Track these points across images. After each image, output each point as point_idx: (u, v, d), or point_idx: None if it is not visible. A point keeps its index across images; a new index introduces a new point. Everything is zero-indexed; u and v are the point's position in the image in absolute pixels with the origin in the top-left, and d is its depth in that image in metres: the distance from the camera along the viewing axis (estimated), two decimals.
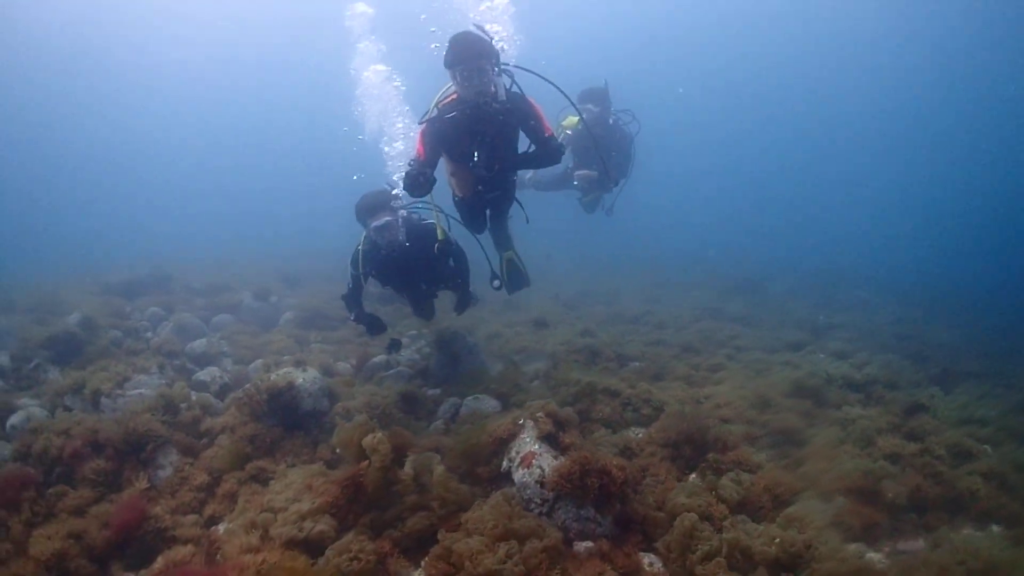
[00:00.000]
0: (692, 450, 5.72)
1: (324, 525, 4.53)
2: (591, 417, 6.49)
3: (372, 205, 6.95)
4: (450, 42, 6.13)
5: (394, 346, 7.58)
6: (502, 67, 6.40)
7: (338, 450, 5.61)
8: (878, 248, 29.50)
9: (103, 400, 6.92)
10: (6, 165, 49.15)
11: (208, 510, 5.30)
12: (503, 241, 8.17)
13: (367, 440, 4.90)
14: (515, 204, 7.71)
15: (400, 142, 8.56)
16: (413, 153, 6.60)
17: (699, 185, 50.60)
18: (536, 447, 4.93)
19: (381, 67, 9.60)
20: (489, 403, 6.66)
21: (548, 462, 4.72)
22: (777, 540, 4.22)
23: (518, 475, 4.79)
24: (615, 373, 8.08)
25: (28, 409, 6.63)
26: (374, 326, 7.60)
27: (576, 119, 10.09)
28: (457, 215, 7.81)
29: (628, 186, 10.79)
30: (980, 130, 45.83)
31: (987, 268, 24.90)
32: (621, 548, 4.33)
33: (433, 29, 7.66)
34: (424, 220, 7.55)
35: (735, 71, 51.80)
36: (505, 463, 5.06)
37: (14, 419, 6.43)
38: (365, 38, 10.27)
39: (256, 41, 48.52)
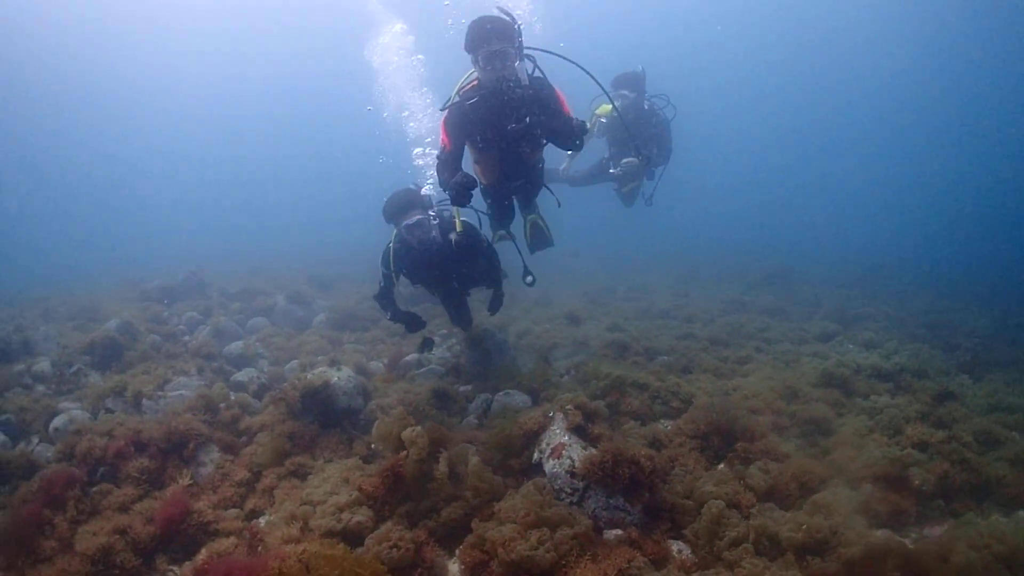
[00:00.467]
0: (720, 440, 5.78)
1: (362, 516, 4.67)
2: (620, 410, 6.54)
3: (402, 204, 6.92)
4: (470, 26, 6.02)
5: (427, 345, 7.57)
6: (525, 51, 6.22)
7: (376, 443, 5.78)
8: (912, 238, 29.20)
9: (145, 402, 7.12)
10: (35, 174, 50.14)
11: (249, 504, 5.44)
12: (529, 206, 8.10)
13: (406, 433, 5.05)
14: (545, 191, 7.68)
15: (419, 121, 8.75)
16: (438, 144, 6.55)
17: (730, 175, 50.40)
18: (566, 438, 5.04)
19: (398, 27, 9.72)
20: (520, 398, 6.73)
21: (578, 453, 4.82)
22: (804, 526, 4.28)
23: (549, 466, 4.89)
24: (644, 367, 8.12)
25: (70, 412, 6.81)
26: (413, 323, 7.56)
27: (609, 106, 9.84)
28: (487, 209, 7.81)
29: (667, 174, 10.74)
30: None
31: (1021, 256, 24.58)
32: (650, 536, 4.42)
33: (447, 2, 7.74)
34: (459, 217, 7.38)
35: (767, 56, 51.37)
36: (536, 455, 5.16)
37: (57, 422, 6.62)
38: (386, 23, 10.43)
39: (274, 34, 48.58)
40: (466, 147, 6.81)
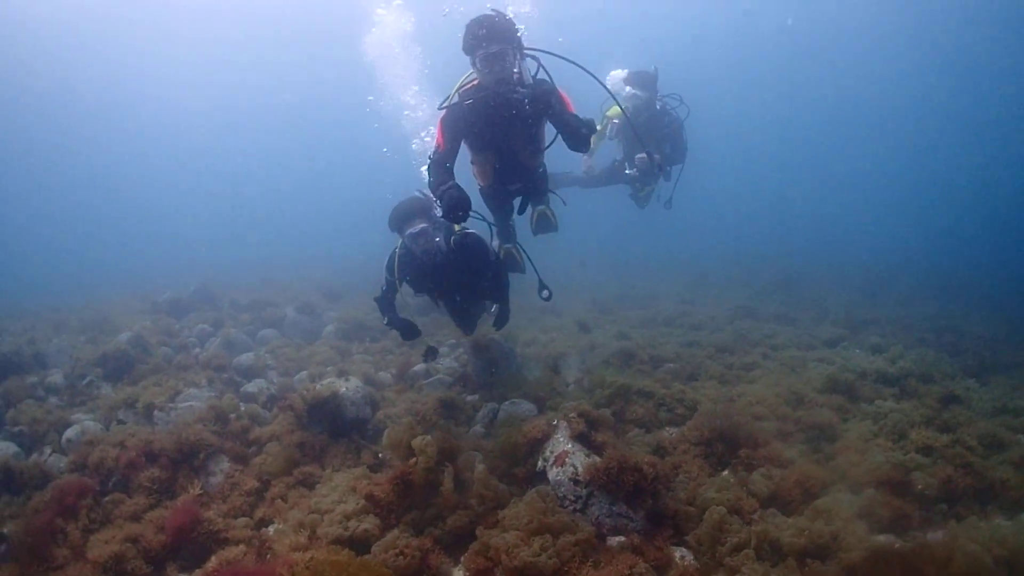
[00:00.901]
0: (724, 447, 5.81)
1: (368, 524, 4.75)
2: (625, 418, 6.60)
3: (407, 212, 6.71)
4: (467, 26, 5.87)
5: (431, 354, 7.40)
6: (527, 51, 6.08)
7: (386, 451, 5.89)
8: (921, 241, 29.12)
9: (156, 413, 7.20)
10: (43, 184, 50.60)
11: (258, 513, 5.50)
12: (538, 200, 7.98)
13: (416, 441, 5.15)
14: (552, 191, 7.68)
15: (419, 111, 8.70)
16: (433, 143, 6.35)
17: (737, 180, 50.32)
18: (569, 446, 5.10)
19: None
20: (526, 407, 6.77)
21: (581, 460, 4.88)
22: (805, 532, 4.32)
23: (552, 473, 4.96)
24: (649, 375, 8.17)
25: (83, 423, 6.92)
26: (407, 331, 7.39)
27: (618, 109, 9.72)
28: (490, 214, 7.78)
29: (683, 176, 10.65)
30: None
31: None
32: (653, 542, 4.47)
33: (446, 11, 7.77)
34: (462, 227, 7.18)
35: (774, 60, 51.35)
36: (540, 462, 5.22)
37: (69, 433, 6.72)
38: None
39: (278, 39, 48.47)
40: (464, 146, 6.69)
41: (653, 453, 5.71)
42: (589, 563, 4.08)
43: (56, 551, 4.92)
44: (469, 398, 7.53)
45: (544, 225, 8.08)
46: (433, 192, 5.90)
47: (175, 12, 42.04)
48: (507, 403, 6.89)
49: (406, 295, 7.45)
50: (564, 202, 7.83)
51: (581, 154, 8.09)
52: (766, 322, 12.46)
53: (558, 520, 4.32)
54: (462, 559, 4.52)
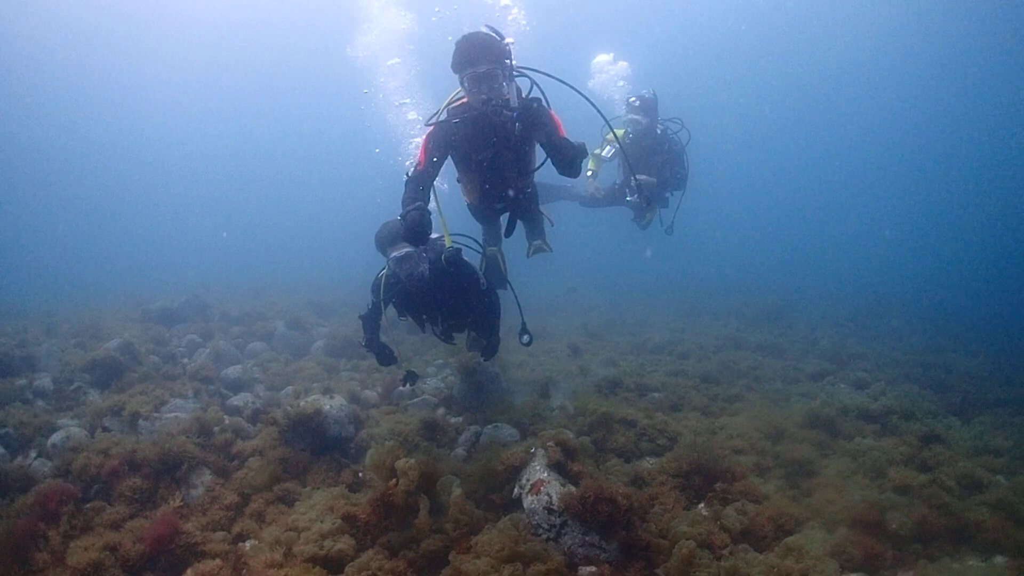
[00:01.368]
0: (701, 480, 5.86)
1: (344, 544, 4.80)
2: (606, 447, 6.65)
3: (392, 234, 6.41)
4: (456, 44, 5.70)
5: (410, 378, 7.23)
6: (518, 70, 5.93)
7: (368, 471, 5.83)
8: (914, 274, 29.30)
9: (141, 422, 7.23)
10: (38, 186, 50.67)
11: (236, 528, 5.53)
12: (535, 232, 7.86)
13: (400, 463, 5.19)
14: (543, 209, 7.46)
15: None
16: (414, 159, 6.12)
17: (732, 207, 50.48)
18: (545, 475, 5.14)
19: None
20: (508, 431, 6.82)
21: (556, 489, 4.92)
22: (775, 568, 4.38)
23: (527, 501, 5.00)
24: (634, 403, 8.22)
25: (68, 429, 6.91)
26: (383, 357, 7.21)
27: (621, 131, 9.75)
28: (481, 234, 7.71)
29: (683, 201, 10.54)
30: None
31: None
32: (624, 573, 4.52)
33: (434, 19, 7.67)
34: (453, 246, 6.88)
35: (766, 90, 51.68)
36: (516, 490, 5.27)
37: (55, 438, 6.71)
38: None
39: (272, 45, 48.67)
40: (452, 161, 6.57)
41: (631, 483, 5.79)
42: None
43: (36, 555, 4.97)
44: (453, 420, 7.56)
45: (539, 251, 7.95)
46: (402, 207, 5.62)
47: (173, 17, 42.20)
48: (490, 427, 6.93)
49: (390, 317, 7.19)
50: (551, 223, 7.68)
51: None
52: (753, 353, 12.54)
53: (529, 549, 4.37)
54: None
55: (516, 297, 7.25)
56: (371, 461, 5.66)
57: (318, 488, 5.99)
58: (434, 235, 6.39)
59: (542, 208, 7.59)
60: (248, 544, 5.25)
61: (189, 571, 4.88)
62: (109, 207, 53.82)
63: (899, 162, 51.68)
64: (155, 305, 13.31)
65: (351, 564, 4.57)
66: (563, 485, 5.01)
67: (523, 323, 7.06)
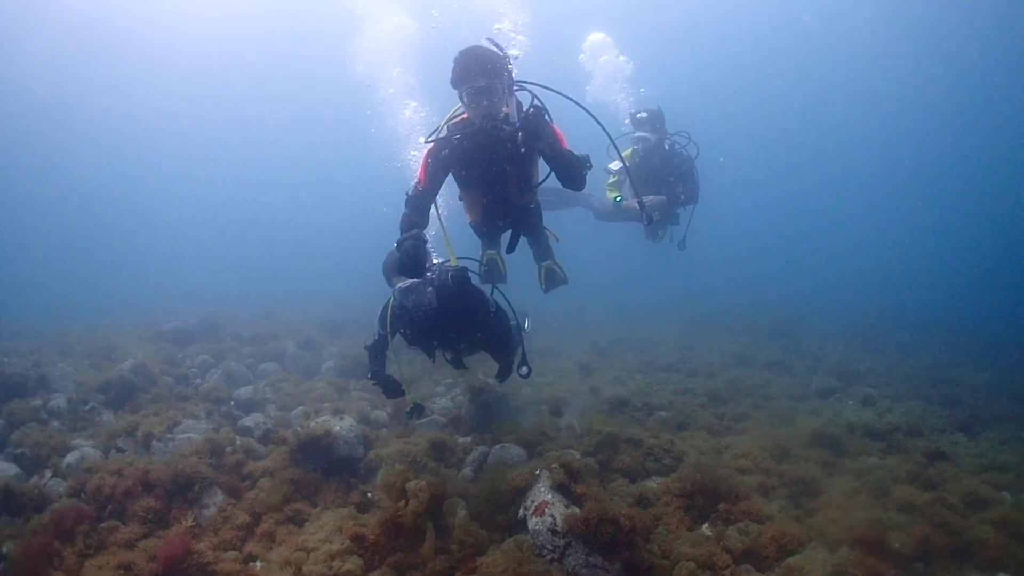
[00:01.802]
0: (705, 500, 5.90)
1: (351, 564, 4.89)
2: (612, 467, 6.69)
3: (397, 264, 5.91)
4: (455, 60, 5.64)
5: (416, 411, 7.08)
6: (518, 84, 5.89)
7: (378, 492, 5.94)
8: (922, 287, 29.21)
9: (154, 443, 7.34)
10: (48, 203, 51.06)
11: (247, 547, 5.62)
12: (542, 253, 7.78)
13: (411, 485, 5.31)
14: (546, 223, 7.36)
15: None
16: (414, 179, 6.04)
17: (738, 218, 50.36)
18: (550, 496, 5.21)
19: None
20: (515, 451, 6.86)
21: (560, 511, 5.00)
22: None
23: (532, 522, 5.08)
24: (641, 423, 8.27)
25: (83, 449, 7.06)
26: (389, 389, 7.06)
27: (628, 151, 9.75)
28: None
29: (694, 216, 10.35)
30: None
31: None
32: None
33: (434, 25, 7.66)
34: (458, 265, 6.55)
35: (770, 102, 51.60)
36: (521, 511, 5.34)
37: (69, 458, 6.85)
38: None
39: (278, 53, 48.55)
40: (453, 179, 6.48)
41: (636, 503, 5.85)
42: None
43: (52, 573, 5.07)
44: (461, 440, 7.61)
45: (554, 281, 7.85)
46: (400, 231, 5.57)
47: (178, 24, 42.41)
48: (497, 447, 6.98)
49: (398, 346, 7.13)
50: (557, 238, 7.62)
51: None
52: (761, 370, 12.56)
53: (532, 569, 4.45)
54: None
55: (521, 331, 7.25)
56: (382, 482, 5.77)
57: (328, 508, 6.07)
58: (438, 259, 6.58)
59: (546, 225, 7.53)
60: (259, 564, 5.34)
61: None
62: (117, 223, 54.07)
63: (907, 174, 51.56)
64: (168, 326, 13.45)
65: None
66: (567, 506, 5.09)
67: (523, 354, 7.04)
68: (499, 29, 6.57)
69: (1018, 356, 14.93)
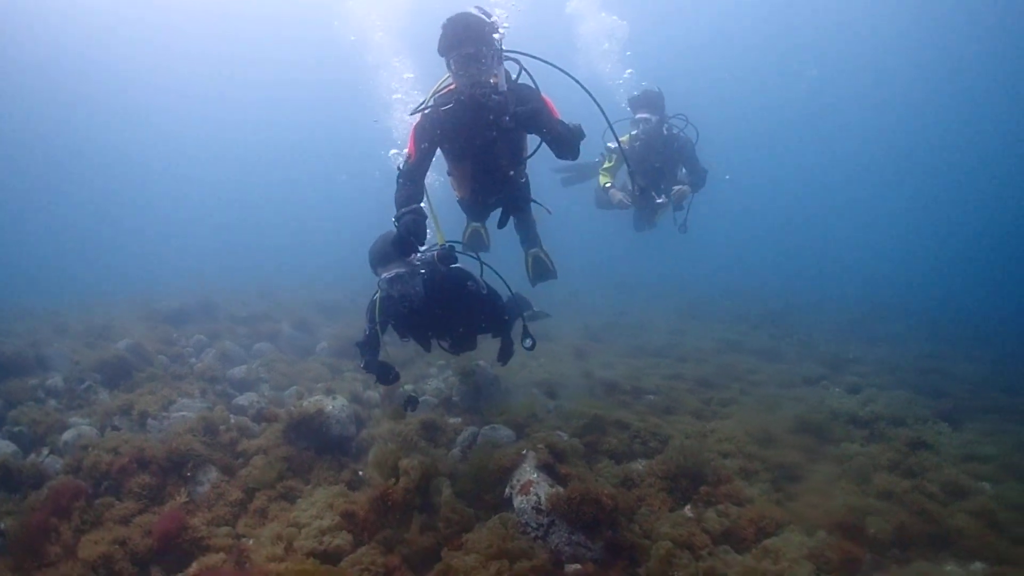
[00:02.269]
0: (688, 482, 6.02)
1: (341, 540, 5.03)
2: (599, 448, 6.78)
3: (383, 253, 6.10)
4: (443, 26, 5.47)
5: (411, 403, 6.87)
6: (507, 54, 5.72)
7: (371, 469, 6.07)
8: (915, 278, 29.29)
9: (149, 421, 7.46)
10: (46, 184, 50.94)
11: (240, 523, 5.77)
12: (529, 239, 7.66)
13: (404, 462, 5.48)
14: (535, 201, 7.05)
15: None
16: (404, 154, 5.87)
17: (733, 207, 50.33)
18: (535, 476, 5.35)
19: None
20: (505, 432, 6.94)
21: (544, 490, 5.13)
22: (751, 570, 4.59)
23: (517, 501, 5.21)
24: (629, 406, 8.35)
25: (79, 427, 7.17)
26: (384, 375, 6.65)
27: (626, 137, 9.44)
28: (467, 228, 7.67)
29: (695, 200, 10.01)
30: None
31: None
32: (607, 572, 4.72)
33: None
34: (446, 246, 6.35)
35: (765, 90, 51.49)
36: (507, 490, 5.47)
37: (66, 436, 6.97)
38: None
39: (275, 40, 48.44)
40: (442, 154, 6.32)
41: (620, 485, 5.96)
42: None
43: (49, 548, 5.19)
44: (452, 421, 7.70)
45: (542, 272, 7.77)
46: (396, 207, 5.44)
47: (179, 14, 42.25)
48: (487, 428, 7.06)
49: (389, 342, 7.02)
50: (549, 211, 7.27)
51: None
52: (751, 356, 12.62)
53: (516, 546, 4.58)
54: None
55: (518, 305, 7.19)
56: (374, 460, 5.90)
57: (320, 486, 6.21)
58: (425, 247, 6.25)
59: (538, 199, 7.14)
60: (251, 539, 5.48)
61: (195, 564, 5.11)
62: (113, 204, 53.89)
63: (901, 164, 51.60)
64: (163, 305, 13.57)
65: (347, 558, 4.80)
66: (551, 486, 5.21)
67: (524, 327, 6.89)
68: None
69: (1007, 348, 15.05)
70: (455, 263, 6.10)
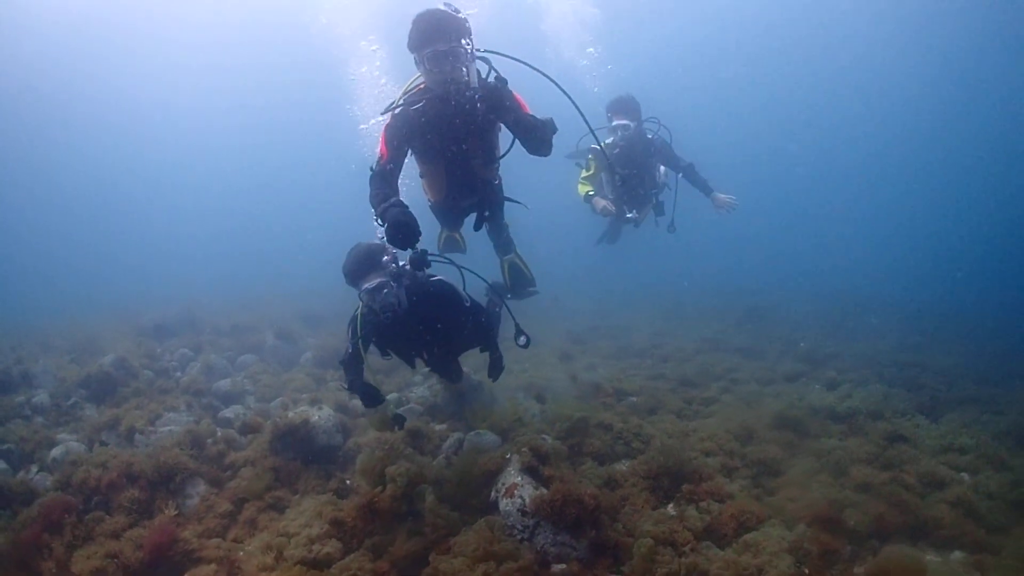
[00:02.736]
0: (670, 481, 6.12)
1: (331, 548, 5.12)
2: (583, 450, 6.87)
3: (361, 263, 5.93)
4: (414, 22, 5.29)
5: (398, 421, 6.58)
6: (478, 52, 5.52)
7: (358, 477, 6.16)
8: (893, 270, 29.54)
9: (137, 436, 7.53)
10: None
11: (231, 534, 5.83)
12: (503, 245, 7.48)
13: (391, 469, 5.54)
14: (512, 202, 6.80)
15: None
16: (375, 155, 5.58)
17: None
18: (519, 479, 5.46)
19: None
20: (490, 438, 6.99)
21: (529, 492, 5.24)
22: (732, 564, 4.71)
23: (502, 504, 5.32)
24: (612, 408, 8.45)
25: (67, 443, 7.23)
26: (369, 398, 6.35)
27: (608, 141, 9.26)
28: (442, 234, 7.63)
29: (677, 199, 10.09)
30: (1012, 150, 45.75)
31: (1001, 288, 25.01)
32: (592, 570, 4.84)
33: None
34: (432, 276, 6.36)
35: (747, 88, 51.72)
36: (493, 493, 5.58)
37: (55, 452, 7.02)
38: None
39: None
40: (412, 158, 6.08)
41: (604, 485, 6.05)
42: None
43: (42, 564, 5.28)
44: (437, 428, 7.78)
45: (521, 282, 7.66)
46: (374, 208, 5.14)
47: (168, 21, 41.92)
48: (472, 434, 7.11)
49: (372, 358, 6.75)
50: (527, 207, 6.90)
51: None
52: (732, 355, 12.72)
53: (502, 548, 4.69)
54: None
55: (507, 306, 6.93)
56: (361, 466, 5.98)
57: (308, 495, 6.29)
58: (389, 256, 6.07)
59: (512, 198, 6.86)
60: (242, 550, 5.54)
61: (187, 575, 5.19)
62: (95, 215, 53.61)
63: (886, 162, 51.99)
64: (147, 319, 13.55)
65: (337, 564, 4.90)
66: (536, 488, 5.32)
67: (516, 325, 6.61)
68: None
69: (984, 340, 15.22)
70: (428, 267, 5.69)
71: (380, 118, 5.86)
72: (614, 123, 9.40)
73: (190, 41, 44.92)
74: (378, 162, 5.45)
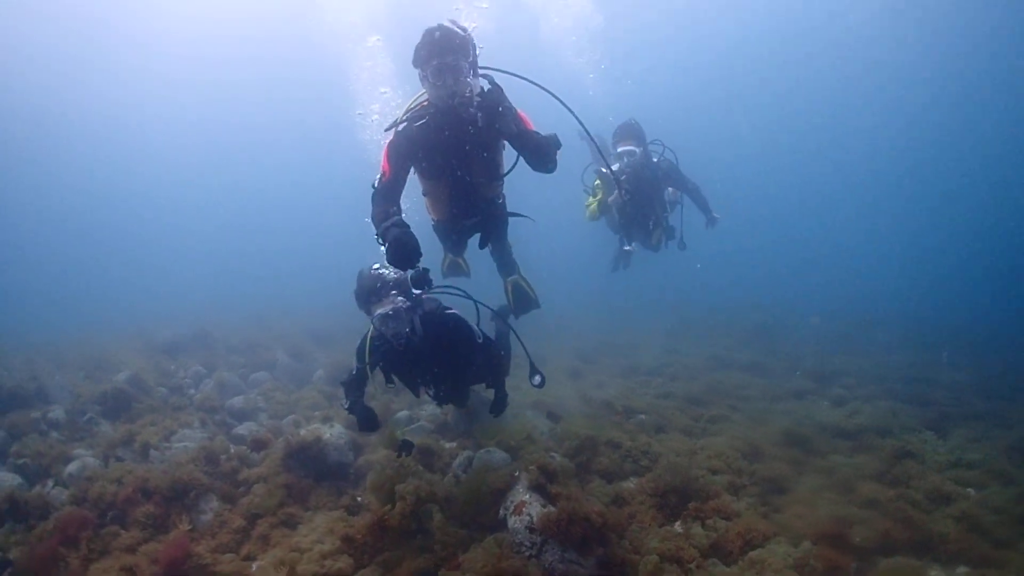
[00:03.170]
0: (677, 499, 6.18)
1: (342, 564, 5.22)
2: (591, 468, 6.96)
3: (373, 289, 5.97)
4: (421, 37, 5.33)
5: (405, 448, 6.56)
6: (481, 68, 5.55)
7: (368, 494, 6.25)
8: (902, 287, 29.49)
9: (151, 452, 7.63)
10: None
11: (244, 550, 5.92)
12: (507, 266, 7.55)
13: (400, 487, 5.60)
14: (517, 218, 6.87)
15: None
16: (378, 172, 5.59)
17: (729, 220, 50.17)
18: (527, 496, 5.51)
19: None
20: (499, 456, 6.99)
21: (537, 510, 5.30)
22: None
23: (511, 521, 5.38)
24: (620, 425, 8.47)
25: (83, 459, 7.33)
26: (366, 422, 6.57)
27: (615, 167, 9.10)
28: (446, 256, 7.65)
29: (685, 215, 10.26)
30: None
31: (1009, 304, 24.97)
32: None
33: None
34: (447, 308, 6.51)
35: (761, 105, 51.70)
36: (501, 511, 5.65)
37: (71, 468, 7.13)
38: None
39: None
40: (415, 176, 6.10)
41: (612, 503, 6.13)
42: None
43: None
44: (447, 445, 7.82)
45: (524, 301, 7.71)
46: (375, 227, 5.18)
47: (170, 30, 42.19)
48: (482, 451, 7.12)
49: (378, 384, 6.78)
50: (534, 220, 6.93)
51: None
52: (740, 372, 12.74)
53: (511, 565, 4.75)
54: None
55: (520, 340, 6.94)
56: (371, 483, 6.06)
57: (319, 511, 6.38)
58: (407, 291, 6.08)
59: (517, 212, 6.91)
60: (255, 565, 5.63)
61: None
62: (102, 225, 53.78)
63: (893, 176, 51.85)
64: (160, 337, 13.71)
65: None
66: (543, 506, 5.38)
67: (531, 364, 6.75)
68: (458, 9, 6.31)
69: (992, 355, 15.19)
70: (430, 285, 5.69)
71: (383, 134, 5.88)
72: (620, 149, 9.41)
73: (199, 54, 45.27)
74: (380, 178, 5.49)
